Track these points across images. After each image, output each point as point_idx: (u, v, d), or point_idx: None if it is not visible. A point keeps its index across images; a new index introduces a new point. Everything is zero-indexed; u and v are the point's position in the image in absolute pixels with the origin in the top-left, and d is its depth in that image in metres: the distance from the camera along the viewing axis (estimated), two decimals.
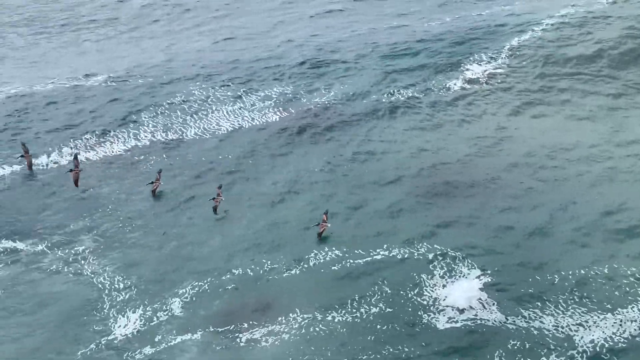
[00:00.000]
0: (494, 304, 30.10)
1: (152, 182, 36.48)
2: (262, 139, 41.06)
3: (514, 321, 29.38)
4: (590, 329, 29.09)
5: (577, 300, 30.25)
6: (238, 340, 29.07)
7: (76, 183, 36.30)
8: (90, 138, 40.99)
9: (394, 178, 37.73)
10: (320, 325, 29.38)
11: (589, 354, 28.16)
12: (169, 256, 33.22)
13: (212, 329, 29.57)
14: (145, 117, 43.08)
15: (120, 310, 30.36)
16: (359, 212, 35.50)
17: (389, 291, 30.78)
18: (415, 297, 30.48)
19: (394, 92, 45.54)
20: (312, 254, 32.92)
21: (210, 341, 29.08)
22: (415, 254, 32.55)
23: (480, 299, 30.32)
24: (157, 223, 35.22)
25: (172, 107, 44.14)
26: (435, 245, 32.93)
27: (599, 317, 29.54)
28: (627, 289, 30.63)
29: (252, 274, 31.91)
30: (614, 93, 45.04)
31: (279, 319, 29.81)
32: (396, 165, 38.81)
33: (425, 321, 29.40)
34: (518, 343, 28.44)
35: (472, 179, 37.50)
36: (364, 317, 29.68)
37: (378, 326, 29.23)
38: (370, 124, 42.48)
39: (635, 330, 29.05)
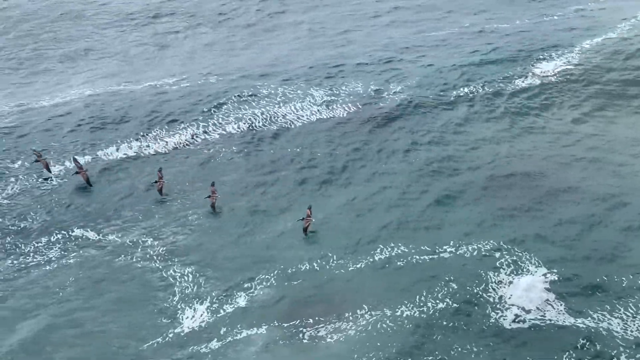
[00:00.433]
0: (561, 304, 29.21)
1: (156, 182, 36.13)
2: (338, 133, 40.58)
3: (583, 322, 28.46)
4: None
5: None
6: (302, 335, 28.64)
7: (88, 182, 36.23)
8: (161, 132, 40.98)
9: (462, 173, 37.04)
10: (387, 322, 28.76)
11: None
12: (237, 250, 32.91)
13: (277, 324, 29.17)
14: (220, 113, 42.86)
15: (188, 303, 30.13)
16: (426, 207, 34.85)
17: (456, 287, 30.06)
18: (481, 294, 29.71)
19: (464, 87, 44.69)
20: (378, 249, 32.34)
21: (274, 335, 28.70)
22: (482, 251, 31.78)
23: (547, 299, 29.45)
24: (227, 217, 34.95)
25: (254, 99, 43.95)
26: (502, 243, 32.11)
27: None
28: None
29: (318, 269, 31.45)
30: None
31: (346, 314, 29.28)
32: (465, 160, 38.10)
33: (492, 320, 28.63)
34: (587, 344, 27.52)
35: (540, 176, 36.59)
36: (431, 313, 29.02)
37: (444, 322, 28.54)
38: (440, 119, 41.69)
39: None
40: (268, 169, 38.33)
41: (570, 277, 30.29)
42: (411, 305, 29.37)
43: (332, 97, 43.96)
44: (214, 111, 42.92)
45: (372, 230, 33.50)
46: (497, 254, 31.49)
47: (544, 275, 30.40)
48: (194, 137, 40.69)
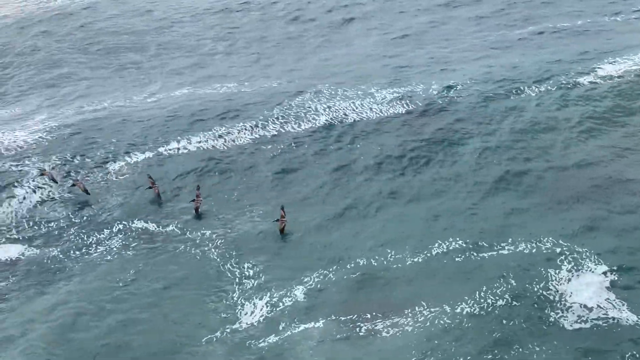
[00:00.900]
0: (623, 304, 28.18)
1: (150, 187, 35.39)
2: (402, 131, 39.82)
3: None
4: None
5: None
6: (359, 330, 28.06)
7: (86, 192, 35.47)
8: (229, 129, 40.62)
9: (522, 169, 36.10)
10: (445, 318, 28.05)
11: None
12: (296, 244, 32.42)
13: (334, 318, 28.64)
14: (288, 112, 42.32)
15: (247, 298, 29.69)
16: (483, 204, 34.05)
17: (515, 284, 29.20)
18: (541, 293, 28.79)
19: (528, 86, 43.50)
20: (436, 245, 31.64)
21: (331, 330, 28.15)
22: (542, 247, 30.87)
23: (608, 297, 28.48)
24: (287, 211, 34.55)
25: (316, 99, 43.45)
26: (561, 241, 31.15)
27: None
28: None
29: (376, 264, 30.84)
30: None
31: (404, 310, 28.63)
32: (526, 156, 37.16)
33: (553, 319, 27.69)
34: None
35: (600, 176, 35.46)
36: (490, 310, 28.20)
37: (504, 321, 27.69)
38: (502, 116, 40.73)
39: None
40: (333, 166, 37.75)
41: (633, 275, 29.29)
42: (471, 302, 28.60)
43: (396, 96, 43.06)
44: (281, 110, 42.22)
45: (430, 226, 32.82)
46: (557, 250, 30.57)
47: (605, 273, 29.42)
48: (261, 135, 40.18)
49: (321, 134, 40.18)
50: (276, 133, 40.34)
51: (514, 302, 28.44)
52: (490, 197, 34.42)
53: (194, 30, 58.04)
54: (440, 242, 31.73)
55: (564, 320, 27.64)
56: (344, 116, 41.50)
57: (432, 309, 28.51)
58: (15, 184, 36.51)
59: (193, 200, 34.52)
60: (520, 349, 26.58)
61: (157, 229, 33.72)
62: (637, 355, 26.13)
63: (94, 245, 32.91)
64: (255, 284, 30.32)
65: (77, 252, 32.62)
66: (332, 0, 62.12)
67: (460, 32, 53.79)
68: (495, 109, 41.48)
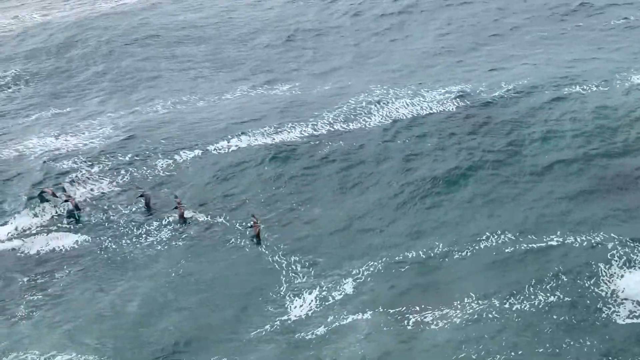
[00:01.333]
0: None
1: (176, 207, 33.81)
2: (445, 127, 39.14)
3: None
4: None
5: None
6: (406, 322, 27.58)
7: (77, 208, 34.20)
8: (269, 129, 40.25)
9: (572, 164, 35.23)
10: (494, 312, 27.47)
11: None
12: (344, 237, 31.97)
13: (382, 310, 28.22)
14: (331, 113, 41.84)
15: (295, 291, 29.34)
16: (532, 196, 33.32)
17: (565, 279, 28.53)
18: (592, 288, 28.09)
19: (576, 85, 42.21)
20: (484, 237, 31.05)
21: (379, 321, 27.73)
22: (592, 241, 30.15)
23: None
24: (333, 204, 34.07)
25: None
26: (612, 234, 30.38)
27: None
28: None
29: (424, 256, 30.34)
30: None
31: (453, 303, 28.09)
32: (576, 151, 36.20)
33: (605, 315, 26.96)
34: None
35: None
36: (540, 306, 27.53)
37: (554, 316, 27.04)
38: (551, 113, 39.54)
39: None
40: (389, 162, 36.98)
41: None
42: (520, 296, 27.98)
43: (445, 95, 42.22)
44: (331, 112, 41.55)
45: (478, 219, 32.24)
46: (609, 245, 29.79)
47: None
48: (312, 134, 39.65)
49: (377, 132, 39.56)
50: (330, 130, 39.91)
51: (565, 298, 27.72)
52: (540, 190, 33.68)
53: (249, 29, 57.39)
54: (488, 234, 31.16)
55: (617, 315, 26.86)
56: (398, 114, 40.82)
57: (481, 302, 27.99)
58: (67, 179, 36.63)
59: (176, 207, 33.56)
60: (572, 343, 25.92)
61: (206, 219, 33.56)
62: None
63: (143, 236, 32.81)
64: (303, 276, 29.96)
65: (128, 242, 32.53)
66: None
67: (505, 32, 52.52)
68: (543, 107, 40.39)
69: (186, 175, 36.74)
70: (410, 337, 27.07)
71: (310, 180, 35.82)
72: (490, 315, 27.34)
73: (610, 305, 27.23)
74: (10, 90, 48.31)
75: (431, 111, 40.69)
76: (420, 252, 30.45)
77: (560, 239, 30.43)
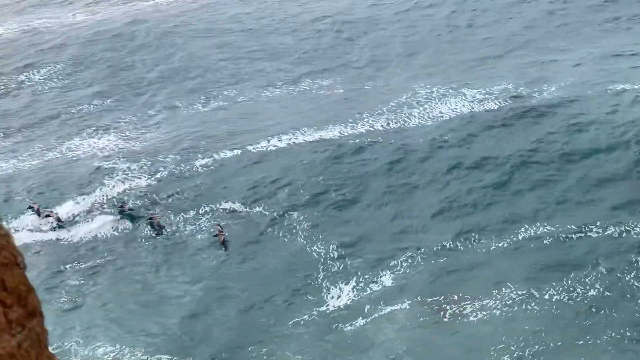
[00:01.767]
0: None
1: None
2: (492, 128, 37.91)
3: None
4: None
5: None
6: (444, 312, 27.21)
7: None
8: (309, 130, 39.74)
9: (612, 155, 34.44)
10: (533, 304, 27.02)
11: None
12: (383, 228, 31.59)
13: (420, 299, 27.87)
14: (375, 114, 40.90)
15: (333, 281, 29.04)
16: (571, 186, 32.69)
17: (604, 272, 27.93)
18: (632, 282, 27.42)
19: (620, 84, 41.16)
20: (522, 229, 30.58)
21: (416, 312, 27.39)
22: (632, 232, 29.52)
23: None
24: (373, 197, 33.69)
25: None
26: None
27: None
28: None
29: (462, 248, 29.93)
30: None
31: (492, 293, 27.62)
32: (615, 144, 35.32)
33: None
34: None
35: None
36: (579, 299, 27.02)
37: (593, 309, 26.49)
38: (592, 113, 38.58)
39: None
40: (412, 154, 36.57)
41: None
42: (559, 288, 27.48)
43: (486, 95, 41.35)
44: (377, 109, 40.49)
45: (516, 209, 31.72)
46: None
47: None
48: (355, 132, 39.00)
49: (421, 131, 38.80)
50: (374, 128, 39.28)
51: (605, 291, 27.13)
52: (576, 179, 33.02)
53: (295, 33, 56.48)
54: (527, 226, 30.70)
55: None
56: (439, 115, 40.09)
57: (520, 292, 27.56)
58: (106, 177, 36.68)
59: (150, 219, 32.92)
60: (611, 336, 25.33)
61: (245, 209, 33.42)
62: None
63: (182, 224, 32.77)
64: (341, 267, 29.67)
65: (168, 231, 32.56)
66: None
67: (546, 32, 51.12)
68: (585, 107, 39.11)
69: (228, 171, 36.57)
70: (448, 328, 26.73)
71: (351, 176, 35.25)
72: (529, 307, 26.93)
73: None
74: (63, 81, 48.41)
75: (480, 109, 39.93)
76: (458, 243, 30.06)
77: (600, 229, 29.89)
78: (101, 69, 49.16)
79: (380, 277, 28.97)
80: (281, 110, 41.80)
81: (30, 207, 33.42)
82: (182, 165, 36.80)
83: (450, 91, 41.79)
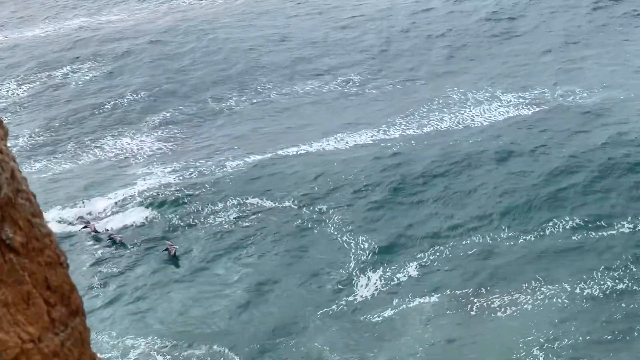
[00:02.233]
0: None
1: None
2: (532, 131, 37.31)
3: None
4: None
5: None
6: (471, 306, 26.94)
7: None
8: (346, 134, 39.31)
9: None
10: (564, 298, 26.71)
11: None
12: (412, 220, 31.41)
13: (448, 293, 27.65)
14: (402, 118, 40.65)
15: (362, 271, 28.88)
16: (602, 183, 32.34)
17: (634, 269, 27.52)
18: None
19: None
20: (550, 223, 30.27)
21: (443, 305, 27.15)
22: None
23: None
24: (405, 193, 33.39)
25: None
26: None
27: None
28: None
29: (490, 241, 29.65)
30: None
31: (521, 287, 27.30)
32: None
33: None
34: None
35: None
36: (609, 292, 26.69)
37: (623, 304, 26.13)
38: (626, 116, 37.88)
39: None
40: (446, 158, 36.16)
41: None
42: (590, 282, 27.12)
43: (520, 100, 40.86)
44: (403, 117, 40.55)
45: (544, 204, 31.41)
46: None
47: None
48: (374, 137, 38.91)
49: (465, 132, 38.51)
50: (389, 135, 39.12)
51: (634, 287, 26.74)
52: (607, 179, 32.54)
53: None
54: (555, 220, 30.41)
55: None
56: (471, 120, 39.83)
57: (550, 287, 27.27)
58: (138, 180, 36.90)
59: (110, 236, 32.10)
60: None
61: (274, 204, 33.28)
62: None
63: (210, 216, 32.77)
64: (370, 258, 29.50)
65: (196, 221, 32.60)
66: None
67: (578, 38, 49.96)
68: (620, 110, 38.34)
69: (260, 171, 36.46)
70: (476, 321, 26.47)
71: (385, 175, 35.00)
72: (559, 301, 26.61)
73: None
74: (104, 81, 48.40)
75: (518, 113, 39.36)
76: (487, 237, 29.79)
77: (631, 225, 29.54)
78: (138, 69, 49.09)
79: (409, 269, 28.76)
80: (318, 111, 41.78)
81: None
82: (214, 165, 36.79)
83: (486, 95, 41.30)
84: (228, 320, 27.22)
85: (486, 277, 28.19)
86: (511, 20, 52.11)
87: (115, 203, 34.20)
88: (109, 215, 33.58)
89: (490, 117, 39.33)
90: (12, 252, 3.78)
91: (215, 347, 26.17)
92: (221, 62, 48.84)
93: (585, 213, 30.60)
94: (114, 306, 28.41)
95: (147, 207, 33.71)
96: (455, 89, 42.68)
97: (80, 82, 47.95)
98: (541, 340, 25.17)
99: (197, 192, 34.50)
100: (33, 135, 41.60)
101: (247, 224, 32.12)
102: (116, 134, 41.19)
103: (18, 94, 47.41)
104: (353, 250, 29.93)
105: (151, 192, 34.59)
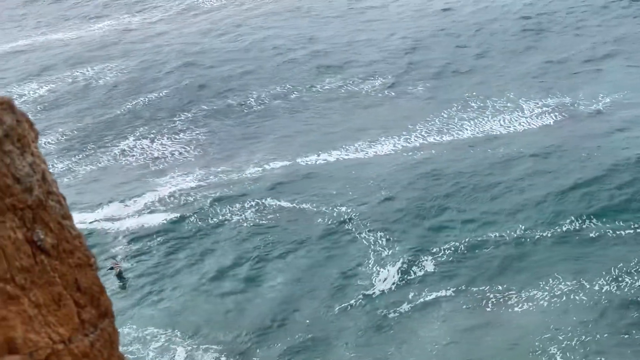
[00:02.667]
0: None
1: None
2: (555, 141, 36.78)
3: None
4: None
5: None
6: (487, 301, 26.81)
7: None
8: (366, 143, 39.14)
9: None
10: (582, 295, 26.56)
11: None
12: (427, 215, 31.40)
13: (464, 288, 27.54)
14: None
15: (381, 265, 28.80)
16: (620, 185, 32.03)
17: None
18: None
19: None
20: (568, 221, 30.12)
21: (460, 300, 27.06)
22: None
23: None
24: (422, 193, 33.16)
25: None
26: None
27: None
28: None
29: (507, 238, 29.48)
30: None
31: (539, 283, 27.20)
32: None
33: None
34: None
35: None
36: (627, 289, 26.46)
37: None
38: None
39: None
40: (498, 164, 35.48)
41: None
42: (609, 278, 26.93)
43: (543, 109, 40.51)
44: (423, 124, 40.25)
45: (562, 206, 31.19)
46: None
47: None
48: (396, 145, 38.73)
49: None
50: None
51: None
52: (628, 180, 32.48)
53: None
54: (573, 218, 30.25)
55: None
56: (492, 130, 39.52)
57: (569, 283, 27.10)
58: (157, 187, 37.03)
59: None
60: None
61: (291, 205, 33.18)
62: None
63: (228, 215, 32.81)
64: (388, 254, 29.39)
65: (214, 220, 32.68)
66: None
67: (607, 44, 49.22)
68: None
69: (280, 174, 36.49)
70: (493, 317, 26.35)
71: (402, 175, 35.17)
72: (577, 297, 26.48)
73: None
74: (130, 84, 48.48)
75: (541, 122, 39.07)
76: (504, 233, 29.63)
77: None
78: (164, 72, 49.16)
79: (423, 263, 28.74)
80: (343, 113, 41.71)
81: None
82: (234, 171, 36.85)
83: (508, 104, 40.96)
84: (243, 315, 27.29)
85: (502, 273, 28.06)
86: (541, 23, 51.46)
87: (136, 207, 34.33)
88: (129, 218, 33.69)
89: (516, 124, 39.03)
90: (43, 254, 3.80)
91: (235, 341, 26.27)
92: (246, 63, 48.90)
93: (604, 213, 30.37)
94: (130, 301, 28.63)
95: (168, 211, 33.84)
96: (484, 93, 42.41)
97: (104, 85, 48.12)
98: (560, 338, 25.00)
99: (219, 195, 34.62)
100: (60, 137, 41.89)
101: (267, 224, 32.10)
102: (139, 135, 41.33)
103: (41, 95, 47.68)
104: (372, 246, 29.92)
105: (174, 195, 34.71)
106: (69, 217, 4.02)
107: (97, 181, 37.14)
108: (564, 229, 29.81)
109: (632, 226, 29.26)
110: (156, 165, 38.08)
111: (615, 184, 32.01)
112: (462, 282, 27.88)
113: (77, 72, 50.15)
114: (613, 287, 26.59)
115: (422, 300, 27.34)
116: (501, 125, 38.96)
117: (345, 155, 37.27)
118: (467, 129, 38.76)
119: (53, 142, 41.32)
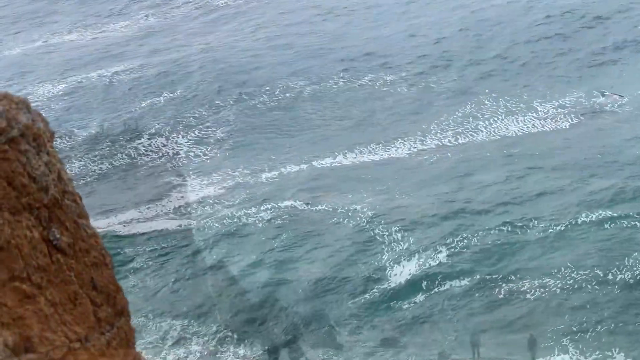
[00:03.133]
0: None
1: None
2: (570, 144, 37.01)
3: None
4: None
5: None
6: (499, 289, 27.12)
7: None
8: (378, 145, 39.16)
9: None
10: (594, 284, 26.52)
11: None
12: (440, 208, 31.52)
13: (478, 277, 27.71)
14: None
15: (395, 259, 29.00)
16: (631, 177, 31.95)
17: None
18: None
19: None
20: (582, 215, 30.00)
21: (471, 288, 27.36)
22: None
23: None
24: (440, 190, 33.32)
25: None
26: None
27: None
28: None
29: (519, 232, 29.55)
30: None
31: (552, 272, 27.23)
32: None
33: None
34: None
35: None
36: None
37: None
38: None
39: None
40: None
41: None
42: (623, 268, 26.95)
43: (557, 109, 40.17)
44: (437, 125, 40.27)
45: (575, 197, 31.09)
46: None
47: None
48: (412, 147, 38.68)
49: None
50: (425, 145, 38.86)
51: None
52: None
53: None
54: (587, 212, 30.13)
55: None
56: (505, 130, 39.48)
57: (581, 273, 27.07)
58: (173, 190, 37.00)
59: None
60: None
61: (306, 206, 33.18)
62: None
63: (244, 217, 32.80)
64: (402, 246, 29.58)
65: (229, 221, 32.68)
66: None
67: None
68: None
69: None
70: (505, 304, 26.55)
71: (401, 181, 35.08)
72: (589, 286, 26.45)
73: None
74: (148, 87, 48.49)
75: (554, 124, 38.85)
76: (517, 224, 29.68)
77: None
78: (187, 73, 49.05)
79: (437, 254, 28.85)
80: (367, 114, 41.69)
81: None
82: (251, 176, 36.73)
83: (521, 106, 40.65)
84: (259, 309, 27.63)
85: (515, 262, 28.20)
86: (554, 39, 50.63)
87: (156, 209, 34.40)
88: (140, 223, 33.74)
89: (524, 128, 38.77)
90: (59, 253, 3.80)
91: (250, 333, 26.38)
92: (268, 61, 48.80)
93: (620, 205, 30.36)
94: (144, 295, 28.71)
95: (186, 213, 33.94)
96: (511, 95, 42.12)
97: (125, 82, 48.14)
98: (573, 329, 25.05)
99: (234, 195, 34.67)
100: (77, 137, 41.98)
101: (285, 225, 32.26)
102: (156, 134, 41.47)
103: (54, 94, 47.71)
104: (387, 241, 29.93)
105: (191, 197, 35.00)
106: (84, 216, 4.00)
107: (113, 181, 37.19)
108: (580, 220, 29.73)
109: None
110: (174, 166, 38.06)
111: (628, 175, 31.86)
112: (476, 272, 28.12)
113: (96, 72, 50.12)
114: (627, 277, 26.53)
115: (437, 289, 27.55)
116: (516, 124, 38.75)
117: (367, 156, 37.25)
118: (481, 130, 38.77)
119: (68, 141, 41.35)
